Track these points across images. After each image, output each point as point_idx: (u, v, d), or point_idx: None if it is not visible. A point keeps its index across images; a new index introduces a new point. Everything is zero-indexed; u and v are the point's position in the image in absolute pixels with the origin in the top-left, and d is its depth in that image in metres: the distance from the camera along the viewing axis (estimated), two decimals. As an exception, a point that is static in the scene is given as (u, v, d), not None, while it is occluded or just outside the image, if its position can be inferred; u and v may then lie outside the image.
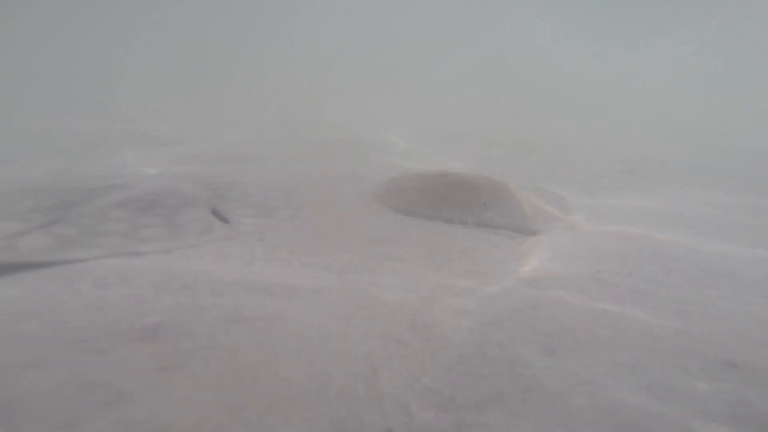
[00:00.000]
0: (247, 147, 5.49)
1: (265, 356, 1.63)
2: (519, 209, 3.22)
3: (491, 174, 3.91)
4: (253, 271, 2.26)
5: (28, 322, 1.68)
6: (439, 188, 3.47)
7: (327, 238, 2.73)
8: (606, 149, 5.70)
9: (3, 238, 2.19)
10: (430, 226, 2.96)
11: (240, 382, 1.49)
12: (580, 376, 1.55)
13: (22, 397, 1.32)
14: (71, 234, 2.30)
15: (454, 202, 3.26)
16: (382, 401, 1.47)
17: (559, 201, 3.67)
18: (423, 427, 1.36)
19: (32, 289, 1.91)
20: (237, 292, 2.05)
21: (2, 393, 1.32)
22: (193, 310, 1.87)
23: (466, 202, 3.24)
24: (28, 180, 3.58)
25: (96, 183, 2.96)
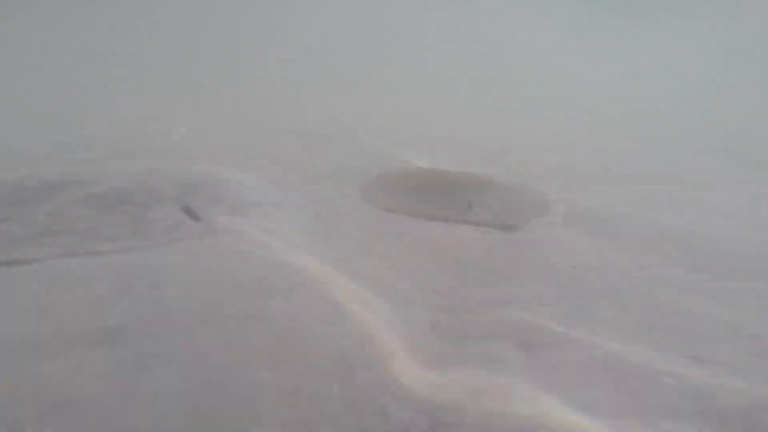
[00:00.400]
0: (225, 143, 5.30)
1: (237, 358, 1.55)
2: (503, 206, 3.27)
3: (477, 170, 3.95)
4: (225, 270, 2.16)
5: (-30, 327, 1.53)
6: (424, 186, 3.49)
7: (305, 236, 2.66)
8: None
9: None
10: (415, 224, 2.95)
11: (209, 385, 1.41)
12: (557, 372, 1.56)
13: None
14: (23, 232, 2.13)
15: (439, 199, 3.28)
16: (358, 402, 1.42)
17: (540, 197, 3.74)
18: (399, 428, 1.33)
19: (-24, 291, 1.74)
20: (208, 291, 1.95)
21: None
22: (159, 311, 1.76)
23: (451, 199, 3.27)
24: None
25: (57, 179, 2.76)
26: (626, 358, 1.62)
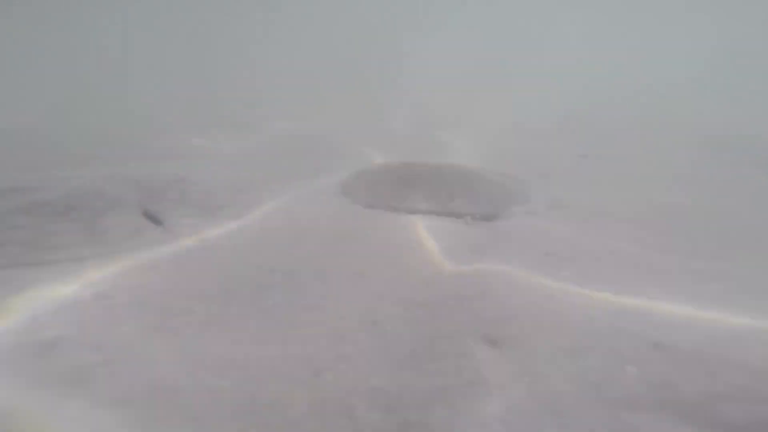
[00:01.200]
0: (193, 142, 5.14)
1: (189, 367, 1.45)
2: (485, 197, 3.27)
3: (458, 161, 3.92)
4: (186, 275, 2.05)
5: None
6: (405, 180, 3.46)
7: (277, 237, 2.57)
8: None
9: None
10: (393, 218, 2.89)
11: (155, 396, 1.31)
12: (524, 366, 1.52)
13: None
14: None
15: (420, 192, 3.26)
16: (324, 406, 1.35)
17: (521, 186, 3.76)
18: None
19: None
20: (164, 299, 1.84)
21: None
22: (106, 321, 1.64)
23: (432, 192, 3.24)
24: None
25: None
26: (592, 347, 1.60)
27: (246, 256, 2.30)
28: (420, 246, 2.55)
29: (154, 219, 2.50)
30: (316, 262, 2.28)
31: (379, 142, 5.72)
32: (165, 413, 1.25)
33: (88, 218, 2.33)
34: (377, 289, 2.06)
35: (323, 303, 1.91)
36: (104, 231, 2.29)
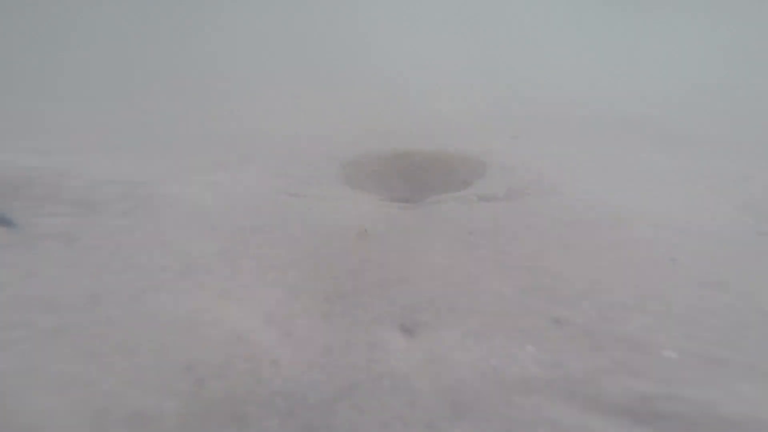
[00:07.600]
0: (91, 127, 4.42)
1: (26, 383, 1.25)
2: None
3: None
4: (40, 281, 1.77)
5: None
6: (408, 170, 3.29)
7: (171, 234, 2.29)
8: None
9: None
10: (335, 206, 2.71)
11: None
12: (432, 353, 1.50)
13: None
14: None
15: (432, 183, 3.11)
16: (205, 417, 1.23)
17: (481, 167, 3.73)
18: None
19: None
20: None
21: None
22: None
23: (444, 181, 3.12)
24: None
25: None
26: (498, 328, 1.62)
27: (120, 257, 2.01)
28: (347, 231, 2.43)
29: (3, 219, 2.11)
30: (225, 255, 2.08)
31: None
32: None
33: None
34: (295, 281, 1.93)
35: (223, 303, 1.74)
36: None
